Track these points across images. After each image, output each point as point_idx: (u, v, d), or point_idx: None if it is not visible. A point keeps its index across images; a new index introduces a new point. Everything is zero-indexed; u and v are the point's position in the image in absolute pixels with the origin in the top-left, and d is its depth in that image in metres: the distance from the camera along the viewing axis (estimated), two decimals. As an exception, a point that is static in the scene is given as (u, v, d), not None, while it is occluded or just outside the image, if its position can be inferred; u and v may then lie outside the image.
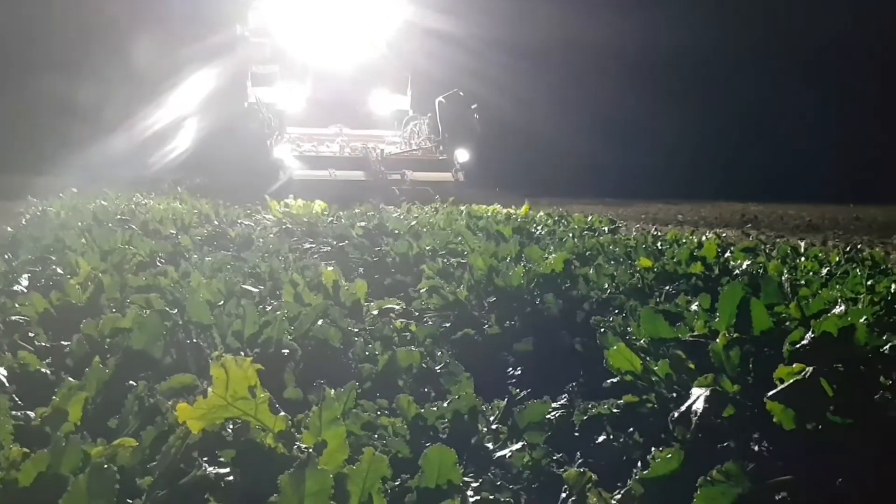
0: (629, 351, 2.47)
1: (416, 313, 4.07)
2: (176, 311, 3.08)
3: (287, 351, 2.52)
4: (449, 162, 14.59)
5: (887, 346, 2.31)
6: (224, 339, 2.60)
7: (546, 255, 4.54)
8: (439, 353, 2.99)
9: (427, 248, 5.65)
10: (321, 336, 2.71)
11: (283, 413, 1.57)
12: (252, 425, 1.57)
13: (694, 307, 2.80)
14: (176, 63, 20.53)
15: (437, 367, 2.77)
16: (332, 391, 1.73)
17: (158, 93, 20.54)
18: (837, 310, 2.18)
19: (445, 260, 5.16)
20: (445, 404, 2.18)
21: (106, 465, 1.58)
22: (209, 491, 1.54)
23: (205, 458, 1.73)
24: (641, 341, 2.65)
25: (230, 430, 1.75)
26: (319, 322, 2.82)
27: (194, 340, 2.46)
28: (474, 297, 3.99)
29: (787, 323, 2.24)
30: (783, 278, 3.36)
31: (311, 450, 1.46)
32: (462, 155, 14.40)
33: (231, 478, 1.54)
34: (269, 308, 3.08)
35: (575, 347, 3.14)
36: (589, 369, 2.99)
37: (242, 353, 2.42)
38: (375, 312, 3.86)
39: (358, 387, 2.18)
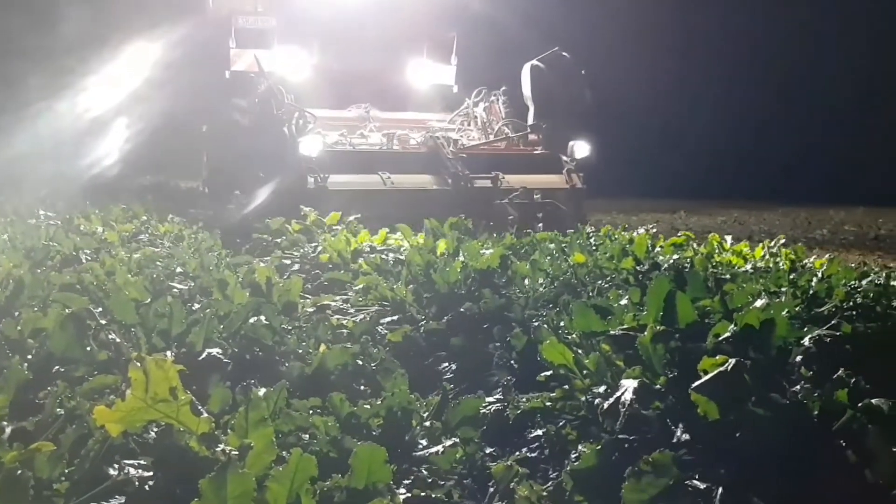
0: (561, 345, 2.50)
1: (353, 310, 4.04)
2: (100, 309, 2.98)
3: (217, 350, 2.46)
4: (553, 158, 9.33)
5: (807, 339, 2.41)
6: (150, 339, 2.53)
7: (483, 251, 4.56)
8: (375, 350, 2.97)
9: (365, 243, 5.62)
10: (252, 334, 2.66)
11: (205, 415, 1.53)
12: (175, 428, 1.52)
13: (624, 301, 2.85)
14: (124, 17, 14.75)
15: (372, 365, 2.74)
16: (261, 391, 1.70)
17: (99, 61, 14.38)
18: (759, 303, 2.25)
19: (384, 255, 5.14)
20: (379, 402, 2.17)
21: (20, 471, 1.52)
22: (129, 496, 1.48)
23: (128, 462, 1.67)
24: (574, 335, 2.69)
25: (154, 433, 1.70)
26: (251, 320, 2.76)
27: (118, 340, 2.38)
28: (412, 293, 3.98)
29: (712, 316, 2.31)
30: (708, 272, 3.46)
31: (235, 452, 1.43)
32: (581, 149, 9.18)
33: (152, 482, 1.49)
34: (197, 306, 3.01)
35: (510, 342, 3.17)
36: (524, 363, 3.02)
37: (169, 353, 2.36)
38: (311, 310, 3.81)
39: (290, 386, 2.14)
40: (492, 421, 2.36)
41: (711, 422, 1.89)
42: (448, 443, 1.98)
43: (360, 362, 2.69)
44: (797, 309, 3.03)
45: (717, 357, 1.91)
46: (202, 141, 11.94)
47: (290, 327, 3.05)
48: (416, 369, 2.97)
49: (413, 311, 3.83)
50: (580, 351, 2.53)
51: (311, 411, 2.09)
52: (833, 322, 2.80)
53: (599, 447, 1.88)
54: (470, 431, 2.16)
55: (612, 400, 2.03)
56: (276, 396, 1.85)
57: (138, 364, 1.45)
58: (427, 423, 2.15)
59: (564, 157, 9.16)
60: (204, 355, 2.40)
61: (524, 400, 2.45)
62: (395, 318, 3.81)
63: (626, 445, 1.97)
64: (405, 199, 7.90)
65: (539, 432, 2.32)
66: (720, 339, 2.06)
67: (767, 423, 1.84)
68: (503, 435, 2.33)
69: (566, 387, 2.42)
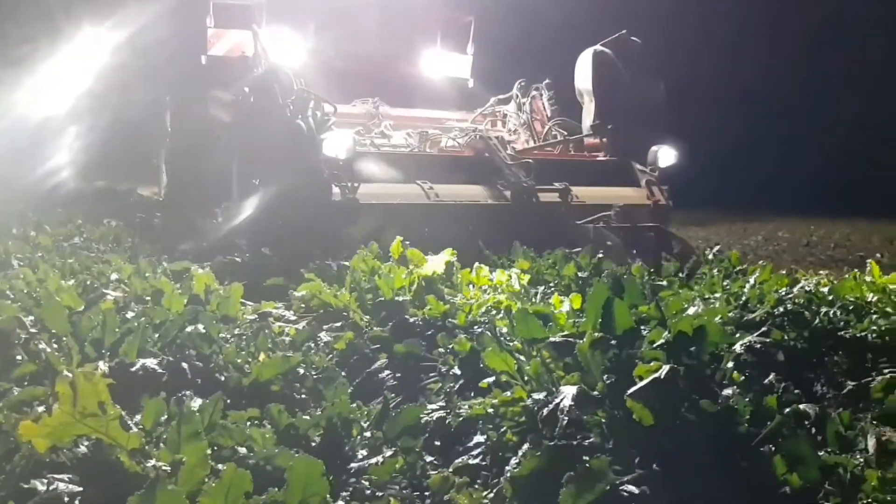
0: (504, 352, 2.52)
1: (295, 317, 3.99)
2: (31, 318, 2.87)
3: (151, 361, 2.39)
4: (625, 166, 7.51)
5: (738, 345, 2.48)
6: (82, 349, 2.45)
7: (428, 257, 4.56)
8: (317, 358, 2.95)
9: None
10: (189, 344, 2.60)
11: (135, 429, 1.49)
12: (105, 442, 1.47)
13: (565, 307, 2.89)
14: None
15: (313, 373, 2.71)
16: (196, 403, 1.66)
17: (51, 50, 12.13)
18: (692, 310, 2.31)
19: (328, 262, 5.09)
20: (319, 412, 2.14)
21: (-62, 492, 1.45)
22: (55, 515, 1.44)
23: (56, 476, 1.62)
24: (516, 342, 2.71)
25: (84, 447, 1.64)
26: (188, 329, 2.70)
27: (48, 350, 2.30)
28: (356, 300, 3.95)
29: (649, 322, 2.36)
30: (646, 279, 3.53)
31: (166, 467, 1.39)
32: (666, 156, 7.35)
33: (81, 498, 1.45)
34: (132, 314, 2.92)
35: (454, 348, 3.18)
36: (468, 370, 3.03)
37: (101, 364, 2.29)
38: (253, 317, 3.75)
39: (227, 397, 2.10)
40: (434, 429, 2.36)
41: (647, 427, 1.93)
42: (388, 453, 1.97)
43: (301, 371, 2.66)
44: (730, 315, 3.12)
45: (652, 363, 1.95)
46: (162, 138, 10.27)
47: (229, 336, 2.99)
48: (359, 377, 2.95)
49: (357, 317, 3.81)
50: (522, 357, 2.56)
51: (248, 423, 2.06)
52: (764, 329, 2.90)
53: (538, 453, 1.90)
54: (410, 441, 2.16)
55: (551, 406, 2.06)
56: (212, 408, 1.81)
57: (67, 376, 1.40)
58: (368, 434, 2.14)
59: (639, 166, 7.39)
60: (138, 366, 2.33)
61: (467, 407, 2.45)
62: (339, 324, 3.78)
63: (565, 451, 2.00)
64: (455, 217, 6.20)
65: (481, 439, 2.33)
66: (655, 345, 2.11)
67: (699, 428, 1.89)
68: (445, 443, 2.33)
69: (508, 393, 2.44)
